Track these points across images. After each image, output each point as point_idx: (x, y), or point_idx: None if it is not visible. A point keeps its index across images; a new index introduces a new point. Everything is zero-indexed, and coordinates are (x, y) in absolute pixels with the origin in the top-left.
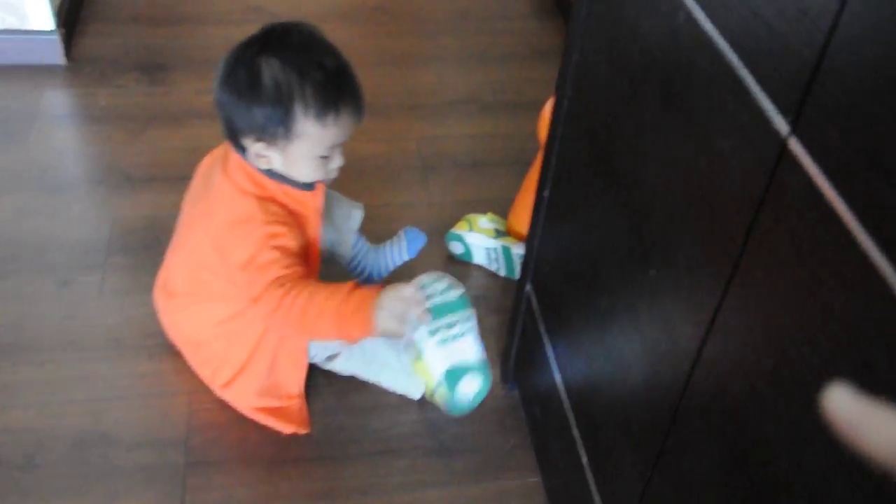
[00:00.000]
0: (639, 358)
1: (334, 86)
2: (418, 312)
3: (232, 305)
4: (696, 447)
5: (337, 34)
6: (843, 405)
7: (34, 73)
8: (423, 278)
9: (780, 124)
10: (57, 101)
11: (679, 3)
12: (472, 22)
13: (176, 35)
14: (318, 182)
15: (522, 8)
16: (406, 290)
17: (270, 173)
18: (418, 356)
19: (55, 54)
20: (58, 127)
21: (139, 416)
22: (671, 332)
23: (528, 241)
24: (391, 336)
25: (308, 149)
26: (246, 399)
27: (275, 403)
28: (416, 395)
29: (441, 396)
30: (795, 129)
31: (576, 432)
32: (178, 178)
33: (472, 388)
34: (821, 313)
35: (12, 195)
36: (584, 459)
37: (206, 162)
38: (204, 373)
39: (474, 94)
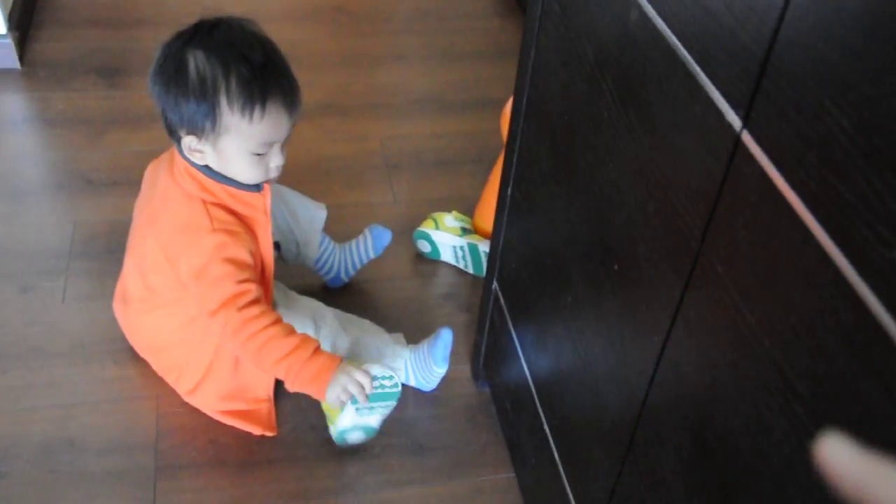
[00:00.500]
0: (605, 352)
1: (260, 80)
2: (361, 397)
3: (185, 311)
4: (663, 441)
5: (297, 35)
6: (842, 459)
7: None
8: (375, 370)
9: (733, 119)
10: (12, 105)
11: (631, 0)
12: (432, 21)
13: (132, 38)
14: (265, 182)
15: (484, 6)
16: (361, 376)
17: (213, 173)
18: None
19: (8, 58)
20: (14, 132)
21: (107, 422)
22: (636, 325)
23: (493, 238)
24: (331, 404)
25: (238, 145)
26: (212, 404)
27: (242, 406)
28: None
29: (333, 430)
30: (747, 124)
31: (546, 427)
32: (139, 181)
33: (355, 439)
34: (779, 304)
35: None
36: (556, 454)
37: (153, 165)
38: (168, 379)
39: (437, 92)
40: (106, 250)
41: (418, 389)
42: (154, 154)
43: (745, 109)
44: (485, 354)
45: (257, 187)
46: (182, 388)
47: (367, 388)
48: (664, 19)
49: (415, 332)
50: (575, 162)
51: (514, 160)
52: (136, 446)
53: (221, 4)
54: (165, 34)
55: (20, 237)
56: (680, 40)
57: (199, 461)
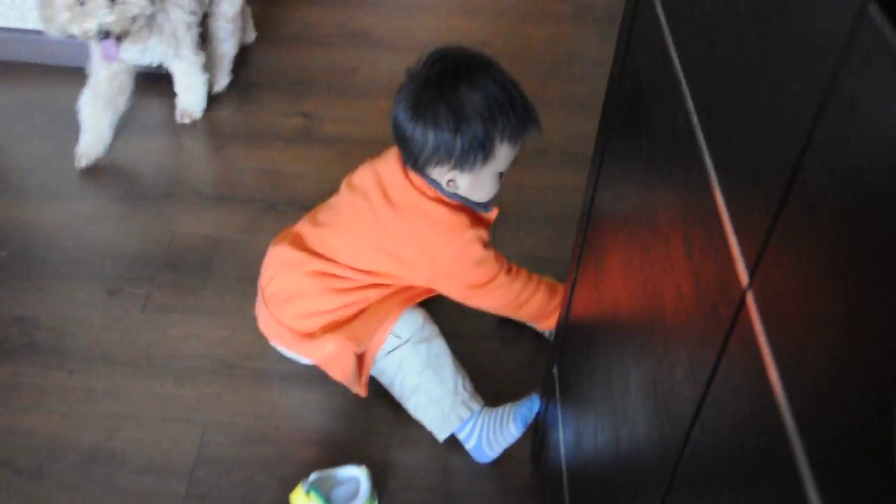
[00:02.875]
0: (617, 474)
1: (522, 109)
2: None
3: (361, 279)
4: None
5: None
6: None
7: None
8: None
9: (742, 271)
10: (148, 108)
11: (681, 103)
12: (578, 66)
13: (274, 54)
14: (493, 205)
15: None
16: None
17: (452, 196)
18: None
19: None
20: (144, 135)
21: (151, 439)
22: (643, 460)
23: (560, 320)
24: None
25: (494, 169)
26: (321, 351)
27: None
28: (443, 435)
29: None
30: (752, 282)
31: None
32: (245, 200)
33: None
34: None
35: (85, 200)
36: None
37: (360, 173)
38: (303, 325)
39: (565, 143)
40: (195, 265)
41: (473, 458)
42: (265, 173)
43: (753, 263)
44: (541, 439)
45: (486, 207)
46: (324, 327)
47: None
48: (704, 132)
49: (485, 398)
50: (617, 263)
51: (583, 240)
52: (173, 470)
53: (367, 28)
54: (306, 53)
55: (120, 240)
56: (713, 160)
57: (230, 496)
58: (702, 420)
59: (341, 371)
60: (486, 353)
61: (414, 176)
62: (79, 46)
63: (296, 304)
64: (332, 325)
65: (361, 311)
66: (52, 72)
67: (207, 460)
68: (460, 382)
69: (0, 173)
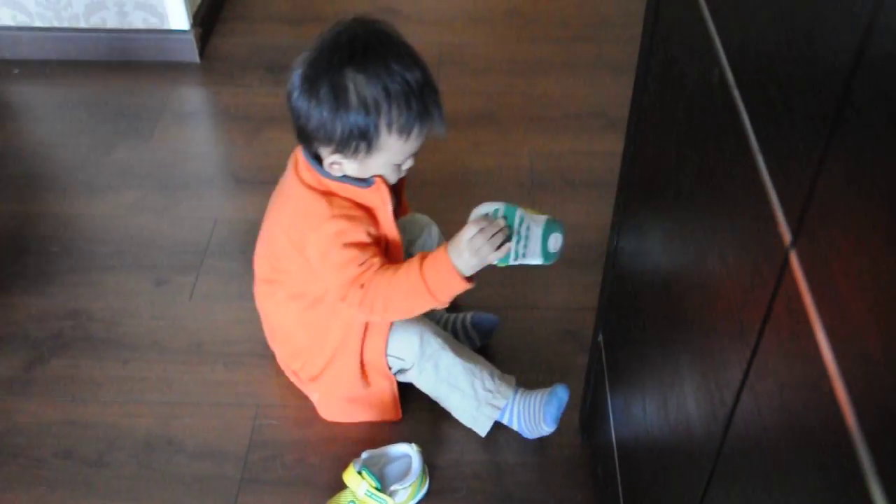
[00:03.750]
0: (667, 444)
1: (419, 102)
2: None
3: (311, 293)
4: None
5: (466, 38)
6: None
7: (169, 70)
8: (481, 209)
9: (784, 230)
10: (184, 98)
11: (715, 58)
12: (612, 29)
13: (306, 35)
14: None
15: None
16: (469, 231)
17: (328, 174)
18: None
19: (190, 52)
20: (180, 124)
21: (205, 425)
22: (691, 428)
23: (602, 286)
24: (484, 263)
25: (386, 160)
26: (336, 390)
27: (364, 392)
28: (483, 432)
29: None
30: (797, 241)
31: None
32: None
33: None
34: (799, 486)
35: (128, 191)
36: None
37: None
38: (295, 366)
39: (601, 107)
40: (239, 250)
41: (519, 433)
42: None
43: (797, 221)
44: (588, 409)
45: (368, 183)
46: (306, 374)
47: (485, 225)
48: (739, 87)
49: (526, 369)
50: (658, 228)
51: (621, 208)
52: (228, 454)
53: (398, 5)
54: None
55: (165, 230)
56: (750, 117)
57: (285, 479)
58: (750, 384)
59: (340, 411)
60: (529, 320)
61: (301, 151)
62: (111, 40)
63: (275, 339)
64: (313, 376)
65: (333, 356)
66: (88, 67)
67: (261, 443)
68: (479, 385)
69: (47, 171)
